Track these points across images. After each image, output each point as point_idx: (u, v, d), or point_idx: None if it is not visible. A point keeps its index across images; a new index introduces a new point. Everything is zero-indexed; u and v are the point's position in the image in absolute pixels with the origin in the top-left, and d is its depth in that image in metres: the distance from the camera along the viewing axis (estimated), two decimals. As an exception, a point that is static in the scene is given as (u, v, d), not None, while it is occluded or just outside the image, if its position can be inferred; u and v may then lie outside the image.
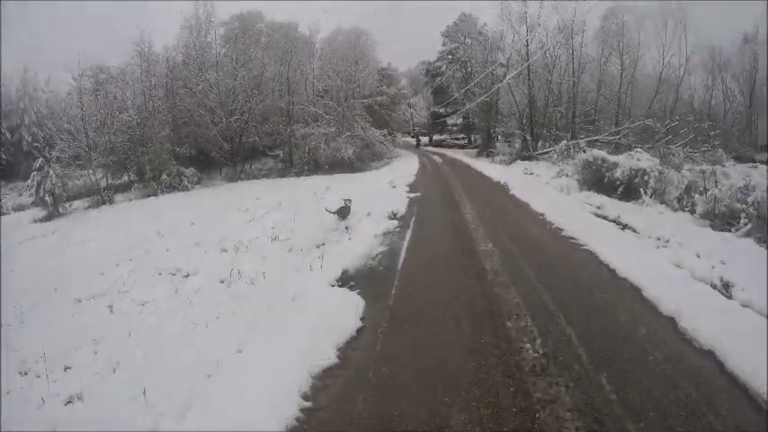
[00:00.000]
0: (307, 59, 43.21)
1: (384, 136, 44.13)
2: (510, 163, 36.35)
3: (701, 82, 42.91)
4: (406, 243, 12.80)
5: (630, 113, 38.18)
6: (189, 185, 35.54)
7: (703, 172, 16.50)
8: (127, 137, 36.10)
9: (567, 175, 24.24)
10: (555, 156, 30.73)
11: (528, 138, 39.03)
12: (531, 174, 28.44)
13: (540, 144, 38.93)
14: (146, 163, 36.01)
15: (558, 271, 9.82)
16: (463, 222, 15.01)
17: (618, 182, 18.75)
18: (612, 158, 20.20)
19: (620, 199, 18.13)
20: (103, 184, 35.93)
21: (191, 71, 39.73)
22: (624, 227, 13.93)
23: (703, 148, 28.86)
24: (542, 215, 15.65)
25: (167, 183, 34.90)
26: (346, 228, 14.68)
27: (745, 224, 12.66)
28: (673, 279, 8.76)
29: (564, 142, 31.10)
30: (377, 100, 45.96)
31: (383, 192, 22.79)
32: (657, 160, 19.68)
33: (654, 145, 28.57)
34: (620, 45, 38.75)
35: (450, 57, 57.19)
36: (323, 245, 13.19)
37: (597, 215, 15.76)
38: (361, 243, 12.58)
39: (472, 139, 58.77)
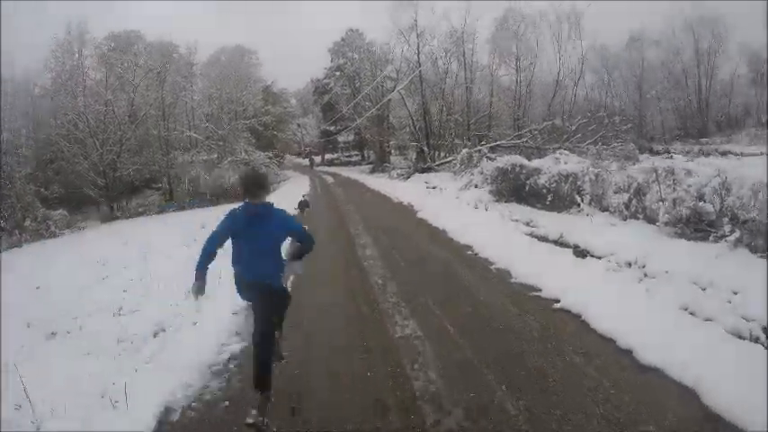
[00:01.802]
0: (186, 81, 38.51)
1: (270, 158, 39.34)
2: (408, 177, 32.70)
3: (594, 82, 43.02)
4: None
5: (529, 116, 36.20)
6: (56, 231, 29.92)
7: (655, 170, 12.66)
8: None
9: (476, 186, 20.39)
10: (457, 165, 26.80)
11: (425, 149, 35.39)
12: (435, 188, 24.38)
13: (438, 155, 35.32)
14: (7, 208, 29.88)
15: (534, 369, 5.26)
16: (364, 276, 9.54)
17: (544, 189, 14.89)
18: (533, 163, 16.44)
19: (549, 209, 14.68)
20: None
21: (59, 99, 33.98)
22: (579, 252, 9.99)
23: (615, 144, 25.46)
24: (470, 247, 11.01)
25: (32, 230, 29.23)
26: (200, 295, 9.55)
27: (731, 231, 8.71)
28: (701, 342, 5.35)
29: (465, 150, 27.42)
30: (261, 120, 41.50)
31: None
32: (587, 162, 15.78)
33: (563, 145, 25.30)
34: (517, 49, 36.83)
35: (337, 73, 53.99)
36: (163, 331, 8.04)
37: (534, 236, 11.85)
38: (209, 332, 7.29)
39: (365, 155, 55.80)
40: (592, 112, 29.22)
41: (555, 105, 37.07)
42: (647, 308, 6.48)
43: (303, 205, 18.75)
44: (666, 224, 10.45)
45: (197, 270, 5.11)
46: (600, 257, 9.27)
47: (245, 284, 5.25)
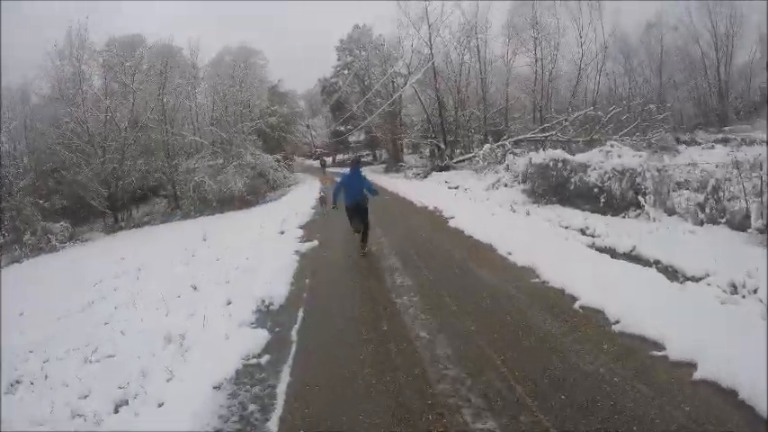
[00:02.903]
0: (189, 83, 36.26)
1: (278, 161, 36.80)
2: (425, 176, 30.26)
3: (614, 70, 39.15)
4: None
5: (552, 107, 33.11)
6: (57, 245, 28.26)
7: (738, 164, 10.12)
8: None
9: (505, 185, 17.99)
10: (479, 162, 24.36)
11: (441, 146, 32.75)
12: (457, 188, 21.79)
13: (454, 152, 32.79)
14: (6, 222, 28.85)
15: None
16: (401, 327, 6.56)
17: (595, 189, 12.50)
18: (578, 158, 13.82)
19: (602, 212, 12.35)
20: None
21: (58, 107, 31.92)
22: (667, 271, 7.54)
23: (653, 133, 22.80)
24: (533, 271, 8.03)
25: (32, 244, 27.77)
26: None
27: None
28: None
29: (487, 146, 25.15)
30: (268, 121, 39.05)
31: (267, 242, 15.06)
32: (644, 154, 13.23)
33: (594, 136, 22.96)
34: (535, 33, 33.82)
35: (345, 71, 51.80)
36: (126, 405, 5.72)
37: (597, 248, 9.30)
38: (176, 419, 4.97)
39: (377, 154, 53.22)
40: (627, 99, 26.74)
41: (578, 95, 34.43)
42: None
43: (322, 201, 21.07)
44: (761, 231, 8.50)
45: (334, 201, 12.33)
46: (697, 279, 6.99)
47: (351, 206, 11.21)
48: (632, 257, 8.48)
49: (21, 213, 28.78)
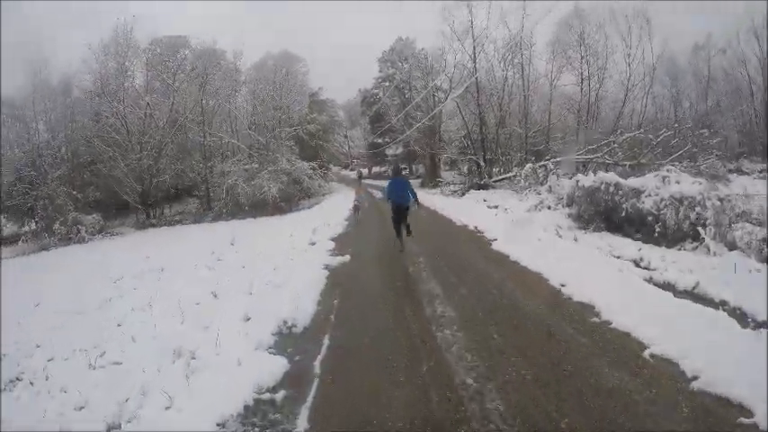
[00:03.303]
0: (230, 86, 35.98)
1: (314, 169, 36.09)
2: (463, 194, 29.29)
3: (659, 92, 38.04)
4: None
5: (597, 128, 32.02)
6: (85, 236, 28.40)
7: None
8: (14, 177, 30.17)
9: (548, 208, 16.95)
10: (521, 182, 23.45)
11: (481, 163, 31.70)
12: (497, 207, 20.66)
13: (493, 170, 31.73)
14: (40, 209, 29.46)
15: None
16: (438, 356, 5.91)
17: (650, 217, 11.58)
18: (630, 182, 12.83)
19: (655, 242, 11.30)
20: (8, 231, 32.16)
21: (103, 101, 32.18)
22: (740, 317, 6.58)
23: (704, 160, 21.76)
24: (591, 309, 7.04)
25: (62, 233, 27.95)
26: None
27: None
28: None
29: (528, 165, 24.12)
30: (306, 128, 38.63)
31: (295, 253, 14.26)
32: (704, 182, 12.22)
33: (642, 161, 22.04)
34: (582, 52, 32.91)
35: (386, 83, 51.14)
36: (118, 428, 5.16)
37: (654, 283, 8.32)
38: None
39: (413, 169, 52.19)
40: (674, 123, 25.59)
41: (623, 117, 33.12)
42: None
43: (356, 209, 22.11)
44: None
45: (388, 199, 13.33)
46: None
47: (395, 206, 13.04)
48: (696, 296, 7.53)
49: (53, 202, 28.93)
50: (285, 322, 7.60)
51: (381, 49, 53.03)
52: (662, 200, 11.53)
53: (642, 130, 24.66)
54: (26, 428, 5.49)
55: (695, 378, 4.78)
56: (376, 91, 54.00)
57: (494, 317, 7.06)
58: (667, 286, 8.10)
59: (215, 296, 10.14)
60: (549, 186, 19.09)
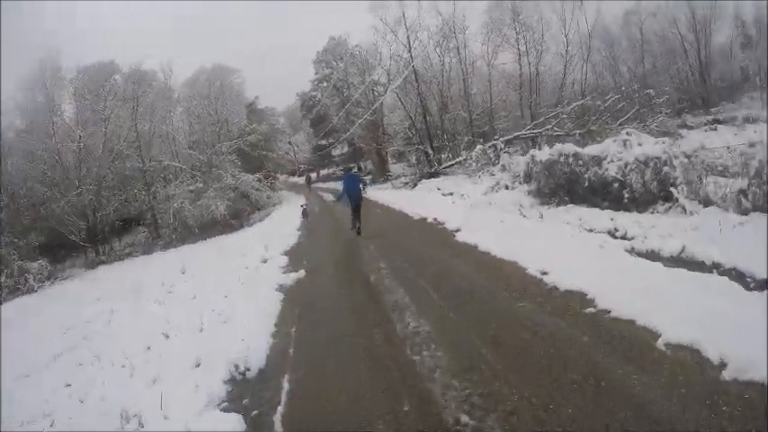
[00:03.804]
0: (163, 107, 34.48)
1: (259, 180, 34.58)
2: (415, 185, 28.36)
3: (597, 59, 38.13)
4: None
5: (539, 102, 31.82)
6: (34, 285, 25.83)
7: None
8: None
9: (506, 187, 16.13)
10: (473, 165, 22.75)
11: (429, 151, 30.86)
12: (452, 194, 19.75)
13: (441, 157, 30.99)
14: None
15: None
16: (420, 388, 4.82)
17: (615, 183, 10.81)
18: (588, 150, 12.17)
19: (626, 208, 10.71)
20: None
21: (33, 139, 29.98)
22: (741, 280, 5.98)
23: (653, 120, 21.35)
24: (584, 295, 6.15)
25: (9, 286, 25.45)
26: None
27: None
28: None
29: (479, 147, 23.41)
30: (248, 140, 37.11)
31: (248, 274, 12.98)
32: (667, 140, 11.57)
33: (592, 128, 21.56)
34: (518, 28, 32.24)
35: (324, 84, 50.31)
36: None
37: (637, 253, 7.77)
38: None
39: (361, 166, 50.65)
40: (616, 88, 25.17)
41: (565, 88, 32.66)
42: None
43: (305, 214, 21.99)
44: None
45: (341, 200, 15.72)
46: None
47: (351, 198, 14.86)
48: (686, 262, 6.94)
49: None
50: (237, 367, 6.44)
51: (315, 50, 52.12)
52: (626, 164, 10.85)
53: (589, 97, 24.15)
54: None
55: (723, 365, 4.00)
56: (314, 93, 53.22)
57: (475, 326, 6.01)
58: (653, 255, 7.50)
59: (166, 336, 9.19)
60: (503, 165, 18.46)
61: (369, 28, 33.12)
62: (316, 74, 52.29)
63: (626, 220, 9.57)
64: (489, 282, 7.74)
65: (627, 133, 12.25)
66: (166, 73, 34.88)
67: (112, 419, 5.88)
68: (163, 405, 5.78)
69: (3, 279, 25.77)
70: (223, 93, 36.65)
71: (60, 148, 29.81)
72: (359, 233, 14.78)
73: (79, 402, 7.12)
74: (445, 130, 32.49)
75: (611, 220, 9.83)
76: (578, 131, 21.40)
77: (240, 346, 6.95)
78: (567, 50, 32.52)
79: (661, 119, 21.31)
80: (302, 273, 11.44)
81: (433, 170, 29.16)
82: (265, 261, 14.30)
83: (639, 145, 11.24)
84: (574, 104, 24.04)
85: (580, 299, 6.12)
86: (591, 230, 9.59)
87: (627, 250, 7.86)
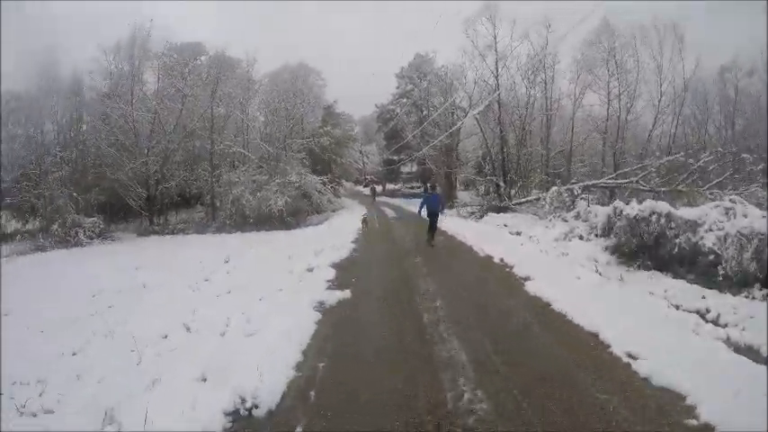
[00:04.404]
0: (242, 95, 34.37)
1: (323, 184, 34.06)
2: (481, 216, 27.10)
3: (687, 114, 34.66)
4: None
5: (624, 151, 30.23)
6: (83, 240, 26.94)
7: None
8: (16, 174, 29.32)
9: (580, 237, 14.81)
10: (546, 206, 21.51)
11: (501, 184, 29.51)
12: (520, 234, 18.60)
13: (513, 192, 29.54)
14: (40, 208, 28.66)
15: None
16: None
17: (711, 256, 9.66)
18: (683, 213, 10.86)
19: (717, 287, 9.23)
20: (10, 229, 30.71)
21: (113, 103, 30.75)
22: None
23: (745, 188, 19.47)
24: (693, 408, 4.78)
25: (59, 235, 26.71)
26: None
27: None
28: None
29: (554, 188, 21.91)
30: (319, 141, 36.86)
31: (290, 280, 12.04)
32: (768, 211, 10.26)
33: (680, 188, 19.74)
34: (610, 69, 30.66)
35: (404, 99, 49.29)
36: None
37: (740, 351, 6.45)
38: None
39: (428, 188, 49.18)
40: (722, 146, 23.25)
41: (653, 140, 30.74)
42: None
43: (364, 222, 24.13)
44: None
45: (419, 213, 17.54)
46: None
47: (430, 213, 16.94)
48: None
49: (53, 202, 27.77)
50: (243, 401, 5.35)
51: (400, 64, 51.43)
52: (727, 235, 9.60)
53: (681, 153, 22.33)
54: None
55: None
56: (393, 107, 52.03)
57: (548, 414, 4.84)
58: (754, 354, 6.28)
59: (187, 329, 8.67)
60: (578, 212, 17.13)
61: (457, 49, 32.50)
62: (397, 87, 51.63)
63: (718, 302, 8.33)
64: (566, 356, 6.40)
65: (730, 200, 10.98)
66: (250, 62, 35.12)
67: (97, 414, 5.32)
68: (147, 420, 4.99)
69: (54, 227, 26.90)
70: (303, 91, 36.58)
71: (136, 117, 30.59)
72: (432, 245, 16.91)
73: (76, 378, 6.79)
74: (520, 164, 31.03)
75: (703, 298, 8.58)
76: (664, 189, 19.78)
77: (253, 375, 5.89)
78: (660, 99, 30.56)
79: (754, 188, 19.51)
80: (348, 293, 10.22)
81: (502, 204, 27.81)
82: (311, 270, 13.21)
83: (745, 216, 9.98)
84: (665, 159, 22.17)
85: (677, 402, 4.98)
86: (677, 307, 8.32)
87: (722, 340, 6.68)
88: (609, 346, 6.54)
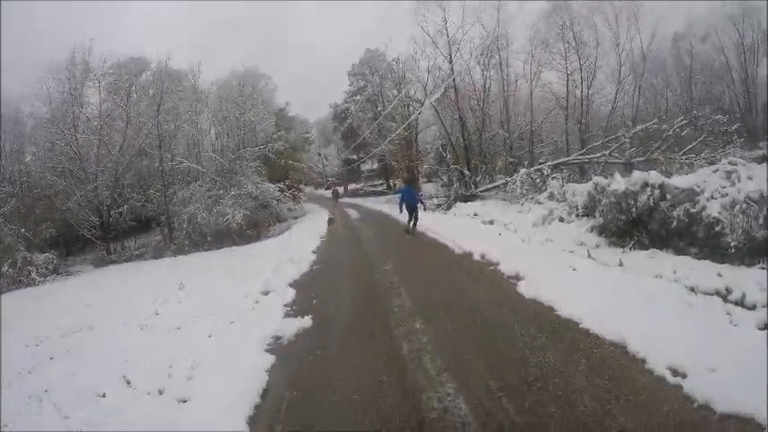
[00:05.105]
0: (189, 107, 32.94)
1: (281, 191, 32.53)
2: (449, 207, 25.89)
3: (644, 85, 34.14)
4: None
5: (589, 126, 29.70)
6: (37, 279, 25.30)
7: None
8: None
9: (561, 219, 13.65)
10: (517, 190, 20.48)
11: (466, 172, 28.30)
12: (492, 222, 17.48)
13: (478, 179, 28.55)
14: None
15: None
16: None
17: (718, 227, 8.59)
18: (679, 182, 9.71)
19: (729, 261, 8.20)
20: None
21: (55, 129, 29.32)
22: None
23: (723, 150, 18.76)
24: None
25: (10, 276, 24.89)
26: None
27: None
28: None
29: (523, 171, 20.97)
30: (274, 147, 35.14)
31: (243, 307, 10.58)
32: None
33: (653, 156, 19.08)
34: (567, 42, 29.80)
35: (358, 96, 48.29)
36: None
37: None
38: None
39: (391, 184, 48.83)
40: (685, 114, 22.24)
41: (617, 111, 30.04)
42: None
43: (330, 222, 25.04)
44: None
45: (400, 210, 17.95)
46: None
47: (408, 207, 17.60)
48: None
49: (1, 242, 25.89)
50: None
51: (351, 61, 50.69)
52: (734, 202, 8.44)
53: (655, 120, 21.28)
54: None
55: None
56: (347, 105, 51.16)
57: None
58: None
59: (128, 383, 7.35)
60: (551, 193, 16.20)
61: (407, 39, 31.31)
62: (350, 85, 50.86)
63: (736, 277, 7.17)
64: (603, 385, 4.80)
65: (730, 162, 9.85)
66: (195, 74, 33.72)
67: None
68: None
69: (5, 268, 24.96)
70: (252, 96, 35.19)
71: (81, 141, 29.29)
72: (411, 233, 17.63)
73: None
74: (483, 150, 30.01)
75: (719, 276, 7.39)
76: (639, 159, 18.74)
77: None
78: (620, 71, 29.95)
79: (733, 149, 18.65)
80: (308, 320, 8.45)
81: (468, 193, 26.80)
82: (267, 293, 11.51)
83: (750, 179, 8.83)
84: (639, 127, 21.07)
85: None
86: (693, 290, 7.07)
87: (759, 328, 5.49)
88: (644, 361, 5.08)
